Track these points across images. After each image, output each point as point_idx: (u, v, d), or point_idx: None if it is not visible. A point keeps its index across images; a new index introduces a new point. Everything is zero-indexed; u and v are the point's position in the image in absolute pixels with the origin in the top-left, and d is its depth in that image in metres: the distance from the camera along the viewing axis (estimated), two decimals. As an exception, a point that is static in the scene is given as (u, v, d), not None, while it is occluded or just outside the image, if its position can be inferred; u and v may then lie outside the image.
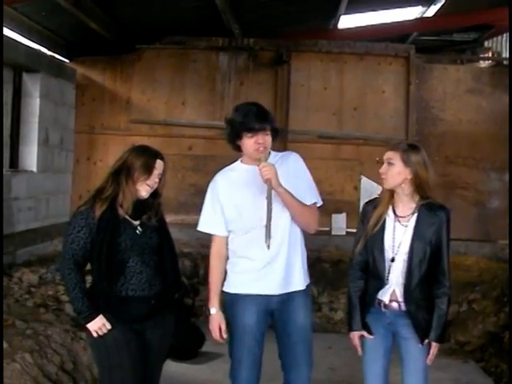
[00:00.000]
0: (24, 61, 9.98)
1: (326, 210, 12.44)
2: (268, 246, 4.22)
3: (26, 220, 10.04)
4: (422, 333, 4.30)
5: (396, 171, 4.30)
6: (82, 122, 12.54)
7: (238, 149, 4.49)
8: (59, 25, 11.37)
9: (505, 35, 13.79)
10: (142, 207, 4.24)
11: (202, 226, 4.58)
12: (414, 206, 4.37)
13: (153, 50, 12.91)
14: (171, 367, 7.11)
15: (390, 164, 4.33)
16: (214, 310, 4.53)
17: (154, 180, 4.21)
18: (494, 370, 7.43)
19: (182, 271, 10.21)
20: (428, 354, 4.32)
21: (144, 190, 4.19)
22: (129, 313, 4.14)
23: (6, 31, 9.84)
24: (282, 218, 4.42)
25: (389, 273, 4.36)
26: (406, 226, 4.35)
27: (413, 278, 4.28)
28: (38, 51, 10.90)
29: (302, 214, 4.45)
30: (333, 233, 12.31)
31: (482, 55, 14.67)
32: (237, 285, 4.53)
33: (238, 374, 4.49)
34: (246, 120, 4.32)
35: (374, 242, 4.39)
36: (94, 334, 4.07)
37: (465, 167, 12.76)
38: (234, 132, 4.41)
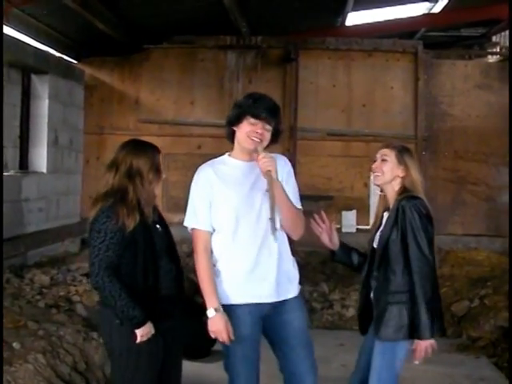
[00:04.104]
0: (32, 62, 10.01)
1: (336, 207, 12.44)
2: (274, 239, 4.06)
3: (36, 221, 10.07)
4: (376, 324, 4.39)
5: (389, 167, 4.40)
6: (91, 123, 12.59)
7: (232, 136, 4.24)
8: (67, 26, 11.39)
9: (512, 29, 13.75)
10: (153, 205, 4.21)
11: (189, 222, 4.19)
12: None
13: (161, 50, 12.93)
14: (183, 366, 7.12)
15: (383, 160, 4.43)
16: (214, 310, 4.08)
17: (162, 177, 4.20)
18: (507, 365, 7.40)
19: (192, 270, 10.25)
20: None
21: (158, 189, 4.20)
22: (161, 311, 4.07)
23: (14, 33, 9.87)
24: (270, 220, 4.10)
25: None
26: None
27: (373, 267, 4.42)
28: (47, 52, 10.94)
29: (294, 215, 4.19)
30: (343, 230, 12.28)
31: (490, 50, 14.63)
32: (222, 295, 4.14)
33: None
34: (256, 105, 4.13)
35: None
36: (140, 339, 3.94)
37: (474, 162, 12.73)
38: (237, 114, 4.17)
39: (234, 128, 4.20)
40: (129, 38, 12.17)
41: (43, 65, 10.37)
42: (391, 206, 4.39)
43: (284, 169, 4.25)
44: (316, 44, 12.88)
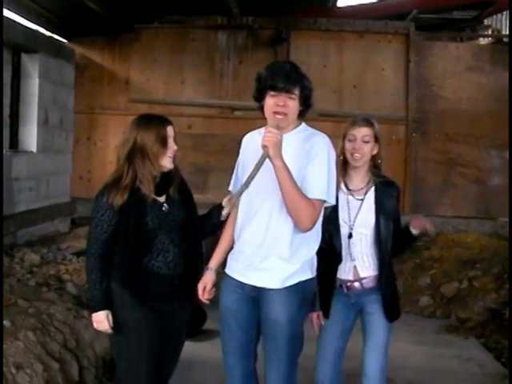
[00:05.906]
0: (23, 41, 9.95)
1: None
2: (224, 215, 3.85)
3: (26, 200, 10.05)
4: (388, 308, 4.34)
5: (370, 148, 4.37)
6: (81, 102, 12.54)
7: (263, 110, 4.00)
8: (57, 4, 11.31)
9: (505, 13, 13.76)
10: (166, 180, 4.16)
11: (231, 186, 4.26)
12: (367, 179, 4.40)
13: (151, 30, 12.88)
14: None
15: (365, 142, 4.36)
16: (208, 269, 4.19)
17: (172, 148, 4.11)
18: (495, 346, 7.48)
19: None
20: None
21: (167, 162, 4.10)
22: (151, 289, 4.10)
23: (4, 11, 9.80)
24: (269, 196, 3.89)
25: (348, 249, 4.33)
26: (362, 200, 4.34)
27: (383, 252, 4.29)
28: (37, 31, 10.86)
29: (295, 203, 3.74)
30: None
31: (481, 33, 14.63)
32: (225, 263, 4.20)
33: (225, 360, 4.17)
34: (273, 76, 3.87)
35: (330, 217, 4.26)
36: (94, 324, 4.12)
37: (465, 145, 12.73)
38: (258, 89, 3.98)
39: (262, 103, 4.00)
40: (119, 17, 12.09)
41: (33, 44, 10.31)
42: (361, 184, 4.40)
43: (315, 148, 3.93)
44: (307, 25, 12.82)
